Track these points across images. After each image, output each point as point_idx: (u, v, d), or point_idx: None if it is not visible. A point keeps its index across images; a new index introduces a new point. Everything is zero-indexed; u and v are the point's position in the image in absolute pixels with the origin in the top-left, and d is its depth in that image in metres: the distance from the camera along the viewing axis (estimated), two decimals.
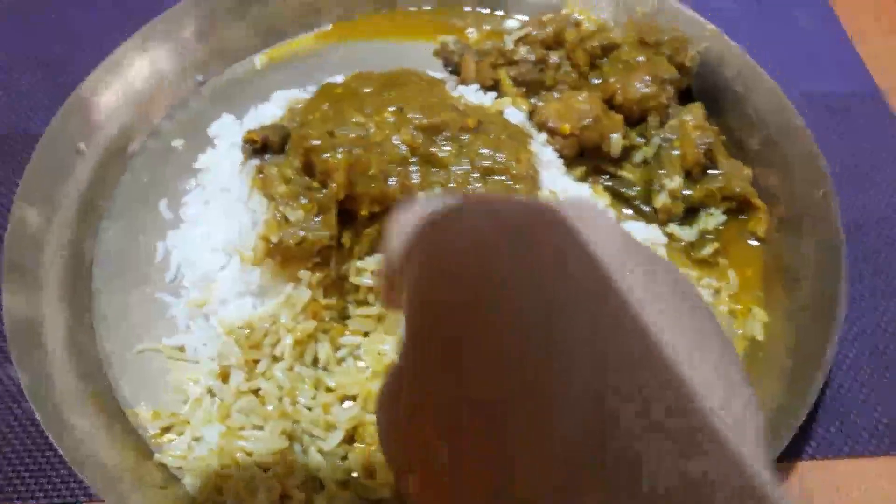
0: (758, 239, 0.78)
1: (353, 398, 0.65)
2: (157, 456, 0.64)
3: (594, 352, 0.25)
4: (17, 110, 0.91)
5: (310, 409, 0.64)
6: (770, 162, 0.80)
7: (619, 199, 0.82)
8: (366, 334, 0.68)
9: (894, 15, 1.09)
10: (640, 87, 0.82)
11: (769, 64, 0.85)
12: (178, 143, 0.86)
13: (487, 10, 1.00)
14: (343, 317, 0.70)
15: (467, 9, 1.00)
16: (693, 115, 0.82)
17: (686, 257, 0.78)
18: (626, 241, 0.32)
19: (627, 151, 0.82)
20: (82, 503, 0.65)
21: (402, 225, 0.34)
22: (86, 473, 0.58)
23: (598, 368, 0.24)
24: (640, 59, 0.84)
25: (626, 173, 0.82)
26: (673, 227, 0.79)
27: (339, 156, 0.65)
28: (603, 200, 0.79)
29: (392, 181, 0.68)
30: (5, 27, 1.00)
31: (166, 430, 0.66)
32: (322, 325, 0.68)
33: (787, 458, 0.67)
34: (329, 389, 0.65)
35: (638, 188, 0.82)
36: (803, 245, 0.73)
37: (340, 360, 0.68)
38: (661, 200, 0.79)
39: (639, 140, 0.82)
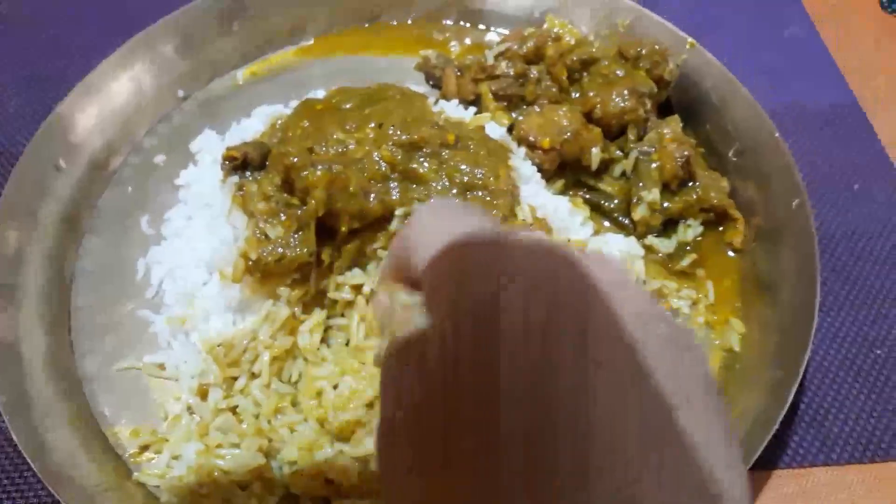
0: (734, 250, 0.79)
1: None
2: (135, 475, 0.64)
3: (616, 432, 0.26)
4: (4, 128, 0.90)
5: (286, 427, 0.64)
6: (747, 173, 0.81)
7: (598, 211, 0.83)
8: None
9: (874, 29, 1.10)
10: (619, 100, 0.82)
11: (750, 76, 0.86)
12: (160, 158, 0.86)
13: (469, 25, 1.01)
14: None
15: (448, 22, 1.01)
16: (671, 128, 0.82)
17: (664, 269, 0.78)
18: (649, 303, 0.32)
19: (607, 164, 0.83)
20: None
21: (427, 230, 0.35)
22: (64, 495, 0.57)
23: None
24: (620, 73, 0.84)
25: (605, 186, 0.83)
26: (651, 239, 0.80)
27: (319, 173, 0.65)
28: (583, 213, 0.80)
29: (372, 197, 0.68)
30: None
31: (145, 448, 0.66)
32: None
33: (764, 466, 0.67)
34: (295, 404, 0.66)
35: (617, 201, 0.82)
36: (779, 255, 0.74)
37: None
38: (639, 213, 0.79)
39: (618, 153, 0.83)
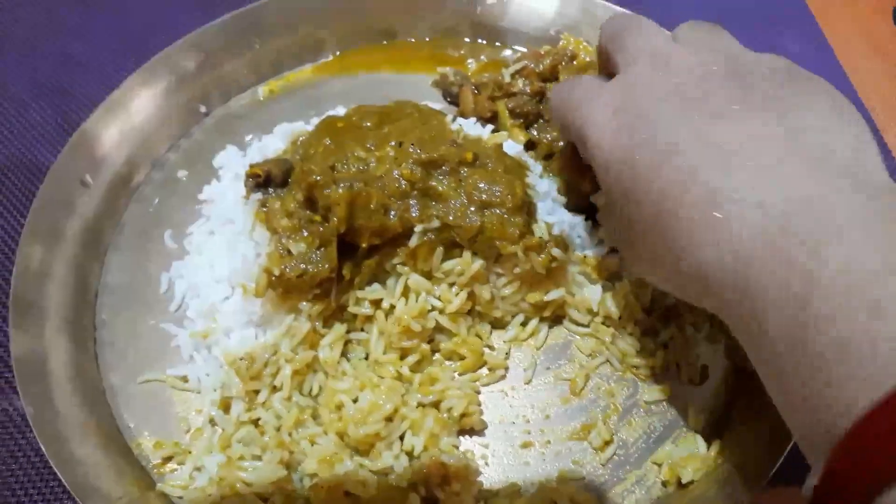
0: None
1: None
2: (159, 486, 0.65)
3: None
4: (25, 140, 0.93)
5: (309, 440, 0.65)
6: None
7: None
8: None
9: (882, 39, 1.11)
10: None
11: None
12: (182, 174, 0.88)
13: (485, 42, 1.03)
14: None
15: (466, 40, 1.03)
16: None
17: None
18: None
19: None
20: None
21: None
22: None
23: None
24: None
25: None
26: None
27: (341, 190, 0.67)
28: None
29: (392, 214, 0.69)
30: (14, 59, 1.02)
31: (168, 459, 0.67)
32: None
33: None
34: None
35: None
36: None
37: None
38: None
39: None
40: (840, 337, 0.35)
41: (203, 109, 0.94)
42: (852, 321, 0.35)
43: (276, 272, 0.67)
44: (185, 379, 0.72)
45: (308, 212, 0.70)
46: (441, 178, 0.71)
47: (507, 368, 0.73)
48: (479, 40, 1.03)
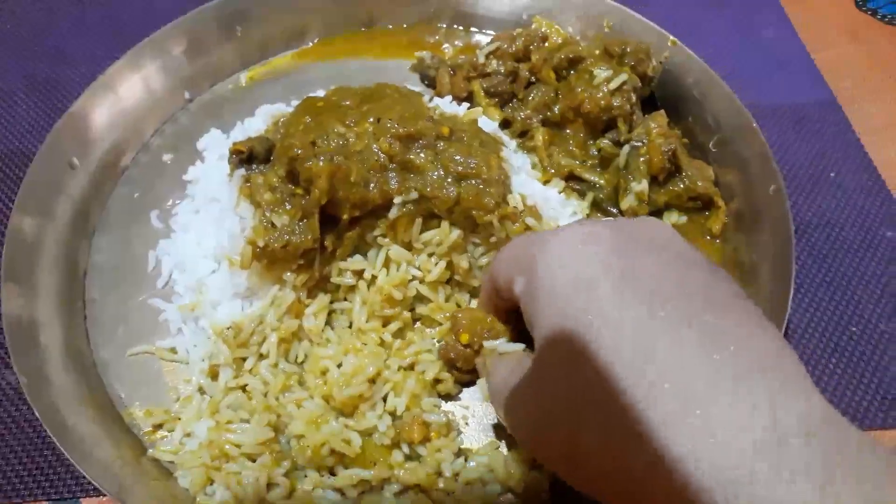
0: (712, 236, 0.83)
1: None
2: (150, 451, 0.67)
3: None
4: (15, 131, 0.95)
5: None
6: (726, 162, 0.85)
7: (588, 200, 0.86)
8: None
9: (849, 27, 1.15)
10: (606, 96, 0.86)
11: (730, 75, 0.90)
12: (167, 157, 0.90)
13: (461, 28, 1.06)
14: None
15: (442, 26, 1.05)
16: (657, 122, 0.86)
17: None
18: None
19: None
20: (80, 500, 0.68)
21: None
22: (88, 469, 0.61)
23: None
24: (605, 69, 0.89)
25: (596, 177, 0.87)
26: None
27: (322, 163, 0.69)
28: (573, 202, 0.84)
29: (371, 187, 0.72)
30: (5, 54, 1.04)
31: (158, 427, 0.70)
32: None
33: None
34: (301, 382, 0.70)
35: (606, 190, 0.86)
36: (758, 239, 0.78)
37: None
38: (627, 202, 0.83)
39: (605, 143, 0.87)
40: None
41: (187, 95, 0.96)
42: None
43: (261, 243, 0.70)
44: (173, 350, 0.74)
45: (290, 185, 0.72)
46: (419, 151, 0.73)
47: None
48: (456, 27, 1.06)
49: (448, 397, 0.72)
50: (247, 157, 0.75)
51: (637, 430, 0.39)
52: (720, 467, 0.36)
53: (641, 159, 0.84)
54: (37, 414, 0.63)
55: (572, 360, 0.43)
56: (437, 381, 0.71)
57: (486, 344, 0.63)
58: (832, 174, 0.93)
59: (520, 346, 0.61)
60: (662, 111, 0.88)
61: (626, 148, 0.85)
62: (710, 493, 0.36)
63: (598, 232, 0.48)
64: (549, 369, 0.46)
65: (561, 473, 0.47)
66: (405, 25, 1.06)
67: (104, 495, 0.67)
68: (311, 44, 1.04)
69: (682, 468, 0.37)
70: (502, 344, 0.62)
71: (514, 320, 0.63)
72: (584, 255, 0.46)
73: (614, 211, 0.86)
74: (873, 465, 0.36)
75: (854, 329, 0.78)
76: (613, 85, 0.87)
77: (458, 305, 0.76)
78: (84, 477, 0.67)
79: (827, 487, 0.34)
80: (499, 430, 0.70)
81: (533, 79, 0.91)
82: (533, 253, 0.49)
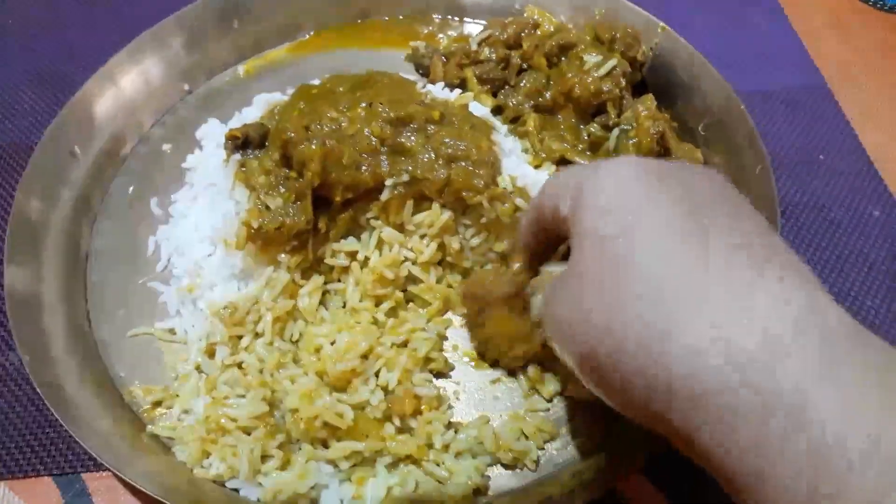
0: None
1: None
2: (149, 428, 0.69)
3: None
4: (19, 124, 0.97)
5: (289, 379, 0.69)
6: (716, 144, 0.86)
7: None
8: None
9: (840, 12, 1.16)
10: (595, 80, 0.88)
11: (721, 60, 0.90)
12: (166, 147, 0.92)
13: (456, 19, 1.07)
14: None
15: (436, 17, 1.07)
16: (645, 105, 0.88)
17: None
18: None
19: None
20: (81, 474, 0.70)
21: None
22: (88, 442, 0.62)
23: None
24: (595, 55, 0.90)
25: (586, 161, 0.88)
26: None
27: (314, 146, 0.71)
28: None
29: (364, 169, 0.73)
30: (10, 47, 1.06)
31: (157, 404, 0.71)
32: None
33: None
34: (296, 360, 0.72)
35: None
36: None
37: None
38: None
39: (593, 129, 0.88)
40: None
41: (186, 87, 0.98)
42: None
43: (255, 225, 0.71)
44: (172, 331, 0.76)
45: (284, 169, 0.74)
46: (409, 135, 0.75)
47: None
48: (450, 17, 1.08)
49: (440, 375, 0.74)
50: (242, 142, 0.76)
51: (660, 326, 0.41)
52: (740, 349, 0.39)
53: (631, 142, 0.85)
54: (38, 390, 0.65)
55: (604, 258, 0.46)
56: (429, 359, 0.73)
57: (542, 267, 0.64)
58: (821, 156, 0.94)
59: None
60: (651, 95, 0.90)
61: (616, 132, 0.86)
62: (724, 374, 0.39)
63: (635, 160, 0.51)
64: (585, 269, 0.47)
65: (592, 380, 0.48)
66: (400, 17, 1.08)
67: (105, 470, 0.68)
68: (307, 36, 1.06)
69: (701, 356, 0.40)
70: (556, 265, 0.63)
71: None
72: (618, 174, 0.49)
73: None
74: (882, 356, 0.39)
75: (841, 306, 0.79)
76: (603, 70, 0.88)
77: (450, 286, 0.78)
78: (85, 453, 0.69)
79: (833, 367, 0.38)
80: (488, 404, 0.72)
81: (525, 66, 0.93)
82: (580, 179, 0.51)
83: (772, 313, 0.39)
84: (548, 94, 0.91)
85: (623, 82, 0.88)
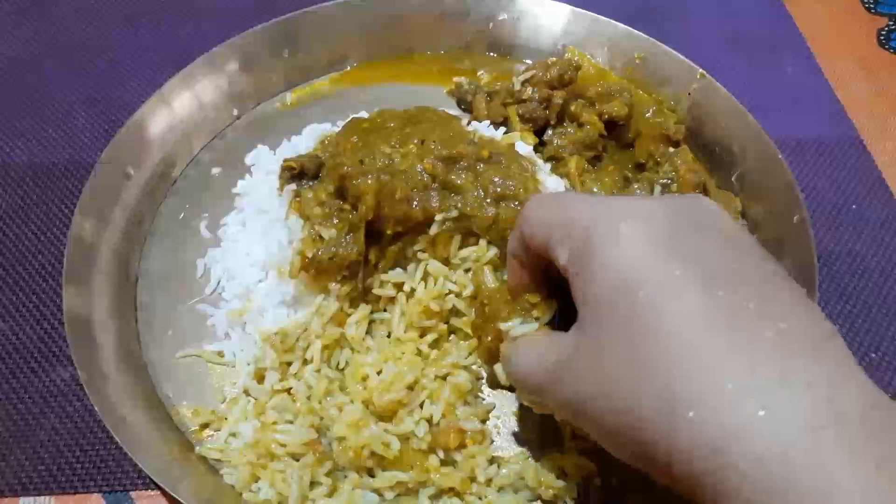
0: None
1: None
2: (197, 449, 0.71)
3: None
4: (74, 144, 1.00)
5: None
6: (751, 193, 0.89)
7: None
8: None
9: (869, 64, 1.18)
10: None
11: (754, 109, 0.92)
12: (216, 170, 0.95)
13: (495, 55, 1.10)
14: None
15: (480, 54, 1.10)
16: (682, 158, 0.90)
17: None
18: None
19: None
20: (129, 493, 0.71)
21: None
22: (142, 461, 0.64)
23: None
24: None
25: None
26: None
27: (370, 181, 0.73)
28: None
29: (415, 204, 0.76)
30: (67, 72, 1.10)
31: (205, 426, 0.73)
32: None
33: None
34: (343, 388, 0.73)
35: None
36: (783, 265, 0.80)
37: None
38: None
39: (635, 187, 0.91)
40: None
41: (235, 112, 1.01)
42: None
43: (310, 254, 0.74)
44: (220, 354, 0.78)
45: (338, 201, 0.76)
46: (460, 172, 0.78)
47: None
48: (491, 54, 1.11)
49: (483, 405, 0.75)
50: (298, 173, 0.79)
51: (687, 402, 0.40)
52: (771, 442, 0.37)
53: None
54: (96, 408, 0.67)
55: (629, 331, 0.43)
56: (469, 391, 0.74)
57: (501, 326, 0.61)
58: (854, 206, 0.96)
59: (533, 326, 0.60)
60: (685, 147, 0.92)
61: (657, 188, 0.88)
62: (757, 465, 0.37)
63: (651, 208, 0.48)
64: (605, 341, 0.45)
65: (609, 445, 0.47)
66: (442, 52, 1.11)
67: (154, 489, 0.70)
68: (348, 68, 1.09)
69: (728, 441, 0.38)
70: (516, 326, 0.61)
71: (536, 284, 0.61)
72: (638, 232, 0.46)
73: None
74: None
75: (874, 355, 0.81)
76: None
77: None
78: (134, 471, 0.71)
79: (882, 465, 0.35)
80: (528, 440, 0.73)
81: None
82: (587, 225, 0.48)
83: (807, 401, 0.38)
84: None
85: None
